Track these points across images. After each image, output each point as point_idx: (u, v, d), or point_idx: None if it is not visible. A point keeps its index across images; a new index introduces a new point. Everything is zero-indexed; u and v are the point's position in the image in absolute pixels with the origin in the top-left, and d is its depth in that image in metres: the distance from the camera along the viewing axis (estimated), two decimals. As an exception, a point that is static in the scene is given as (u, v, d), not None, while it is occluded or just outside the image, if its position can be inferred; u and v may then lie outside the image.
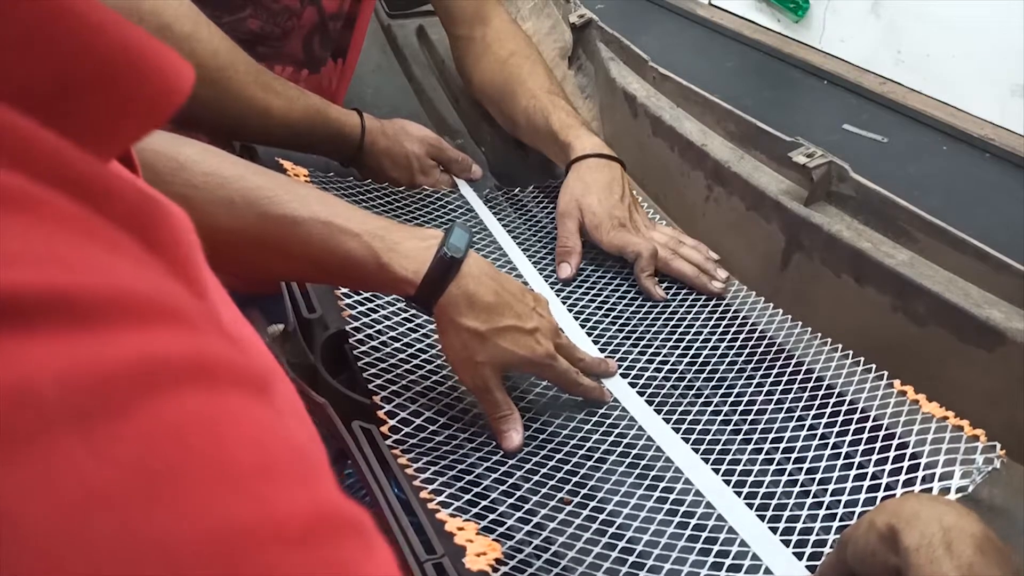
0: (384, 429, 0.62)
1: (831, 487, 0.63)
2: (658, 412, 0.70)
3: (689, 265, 0.85)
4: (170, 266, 0.21)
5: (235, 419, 0.19)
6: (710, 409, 0.71)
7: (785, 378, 0.73)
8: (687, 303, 0.84)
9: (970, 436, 0.65)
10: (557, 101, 0.94)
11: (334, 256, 0.60)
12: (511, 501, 0.61)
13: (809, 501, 0.62)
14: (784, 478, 0.64)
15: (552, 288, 0.84)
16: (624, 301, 0.84)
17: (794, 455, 0.66)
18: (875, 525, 0.45)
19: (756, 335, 0.78)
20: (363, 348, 0.69)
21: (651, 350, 0.77)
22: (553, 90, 0.96)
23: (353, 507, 0.21)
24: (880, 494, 0.62)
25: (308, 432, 0.24)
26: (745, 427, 0.69)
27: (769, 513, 0.60)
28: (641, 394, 0.71)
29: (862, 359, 0.74)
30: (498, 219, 0.94)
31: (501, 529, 0.57)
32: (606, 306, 0.83)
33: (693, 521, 0.60)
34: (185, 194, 0.56)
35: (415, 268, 0.61)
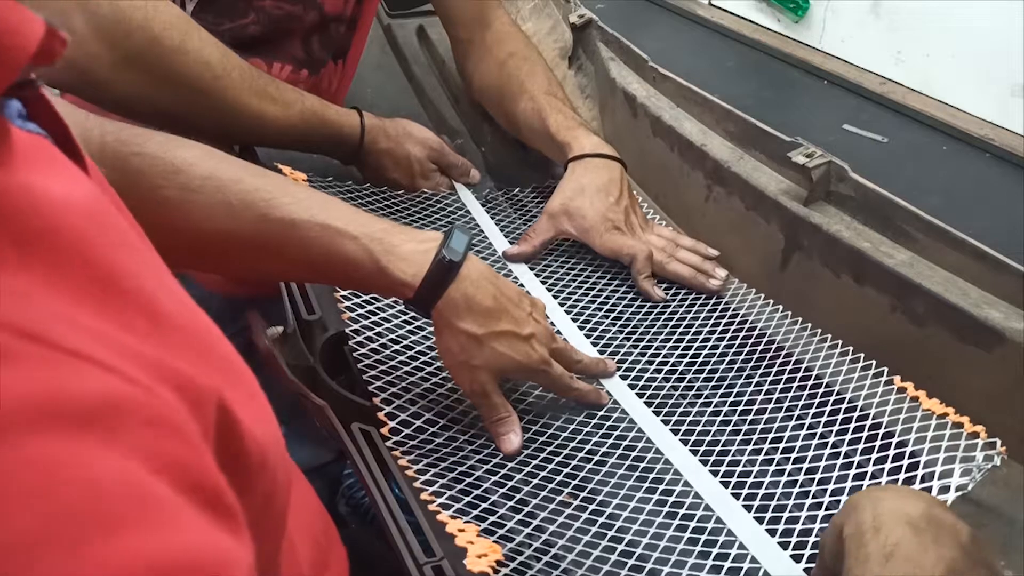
0: (384, 431, 0.62)
1: (830, 487, 0.63)
2: (657, 413, 0.70)
3: (686, 267, 0.85)
4: (48, 261, 0.18)
5: (58, 470, 0.16)
6: (710, 409, 0.71)
7: (784, 377, 0.73)
8: (686, 303, 0.84)
9: (970, 433, 0.65)
10: (554, 102, 0.94)
11: (332, 259, 0.60)
12: (512, 503, 0.61)
13: (808, 502, 0.62)
14: (783, 478, 0.64)
15: (550, 291, 0.84)
16: (624, 302, 0.83)
17: (793, 455, 0.66)
18: (835, 525, 0.46)
19: (755, 334, 0.78)
20: (363, 350, 0.69)
21: (650, 351, 0.77)
22: (551, 91, 0.95)
23: (205, 547, 0.18)
24: None
25: (175, 454, 0.21)
26: (744, 427, 0.69)
27: (768, 515, 0.60)
28: (641, 395, 0.71)
29: (861, 356, 0.74)
30: (497, 220, 0.94)
31: (502, 531, 0.58)
32: (605, 307, 0.82)
33: (692, 524, 0.60)
34: (183, 197, 0.56)
35: (413, 271, 0.61)
